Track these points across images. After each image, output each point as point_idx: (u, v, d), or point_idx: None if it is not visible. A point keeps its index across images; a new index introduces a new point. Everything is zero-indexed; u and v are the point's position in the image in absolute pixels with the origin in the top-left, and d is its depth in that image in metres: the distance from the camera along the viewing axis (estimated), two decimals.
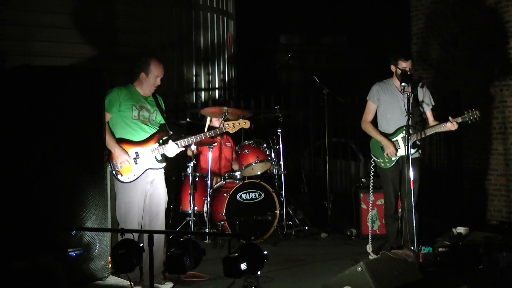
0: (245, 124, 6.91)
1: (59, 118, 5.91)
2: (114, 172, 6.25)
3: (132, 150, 6.30)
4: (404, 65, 7.32)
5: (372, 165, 7.59)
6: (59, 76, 6.04)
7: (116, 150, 6.22)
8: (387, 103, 7.47)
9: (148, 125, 6.39)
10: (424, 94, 7.54)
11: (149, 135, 6.39)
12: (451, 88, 11.32)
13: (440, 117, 7.59)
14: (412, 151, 7.19)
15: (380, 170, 7.54)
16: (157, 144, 6.40)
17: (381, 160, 7.43)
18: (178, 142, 6.48)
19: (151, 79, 6.40)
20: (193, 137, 6.71)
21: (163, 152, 6.42)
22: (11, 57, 9.11)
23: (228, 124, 6.81)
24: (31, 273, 4.87)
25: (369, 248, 7.50)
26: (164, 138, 6.46)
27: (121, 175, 6.26)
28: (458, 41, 11.35)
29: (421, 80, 9.22)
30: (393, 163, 7.36)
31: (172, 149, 6.45)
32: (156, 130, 6.44)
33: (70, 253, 5.85)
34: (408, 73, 7.26)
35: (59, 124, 5.91)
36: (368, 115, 7.60)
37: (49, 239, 5.76)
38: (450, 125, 7.24)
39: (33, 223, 5.71)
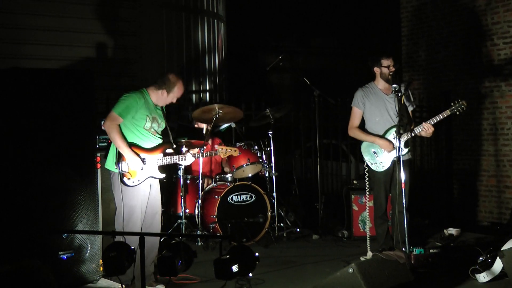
0: (235, 152, 7.63)
1: (49, 121, 5.90)
2: (121, 174, 6.19)
3: (140, 155, 6.29)
4: (387, 62, 7.36)
5: (366, 169, 7.57)
6: (49, 78, 6.02)
7: (129, 154, 6.17)
8: (373, 106, 7.42)
9: (156, 136, 6.44)
10: (408, 95, 7.52)
11: (156, 144, 6.42)
12: (441, 89, 11.36)
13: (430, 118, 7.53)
14: (405, 150, 7.20)
15: (371, 172, 7.52)
16: (162, 155, 6.43)
17: (375, 163, 7.41)
18: (194, 153, 6.93)
19: (169, 98, 6.48)
20: (205, 152, 7.61)
21: (167, 163, 6.49)
22: (0, 60, 9.07)
23: (221, 149, 7.49)
24: (18, 276, 4.84)
25: (369, 255, 7.44)
26: (167, 151, 6.49)
27: (128, 178, 6.21)
28: (448, 42, 11.39)
29: (411, 80, 9.23)
30: (388, 166, 7.34)
31: (189, 159, 6.75)
32: (161, 140, 6.49)
33: (61, 256, 5.84)
34: (392, 70, 7.31)
35: (49, 127, 5.89)
36: (355, 121, 7.53)
37: (40, 242, 5.74)
38: (427, 126, 7.16)
39: (24, 226, 5.69)
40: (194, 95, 11.63)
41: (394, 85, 7.03)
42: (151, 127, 6.36)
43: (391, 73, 7.34)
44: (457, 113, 7.21)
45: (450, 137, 11.26)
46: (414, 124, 7.44)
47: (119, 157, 6.18)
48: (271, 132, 8.93)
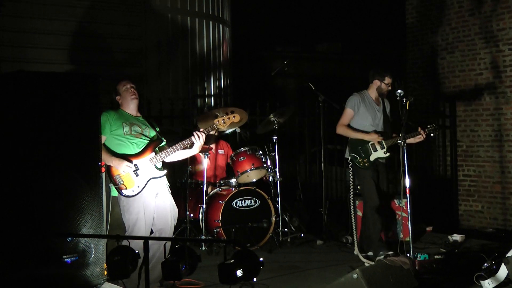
0: (235, 117, 6.65)
1: (54, 124, 5.88)
2: (116, 188, 6.26)
3: (130, 162, 6.32)
4: (389, 80, 7.81)
5: (350, 170, 7.81)
6: (54, 81, 6.01)
7: (114, 161, 6.28)
8: (366, 112, 7.83)
9: (141, 138, 6.45)
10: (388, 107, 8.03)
11: (143, 147, 6.43)
12: (446, 95, 11.35)
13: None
14: (387, 154, 7.70)
15: (358, 171, 7.78)
16: (154, 153, 6.41)
17: (360, 160, 7.70)
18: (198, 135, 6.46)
19: (124, 94, 6.57)
20: (204, 130, 6.54)
21: (162, 160, 6.46)
22: (6, 64, 9.10)
23: (218, 121, 6.60)
24: None
25: (356, 251, 7.73)
26: (160, 146, 6.49)
27: (126, 189, 6.28)
28: (453, 47, 11.38)
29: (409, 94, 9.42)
30: (371, 165, 7.69)
31: (195, 143, 6.49)
32: (149, 141, 6.47)
33: (65, 259, 5.82)
34: (389, 89, 7.82)
35: (54, 130, 5.88)
36: (345, 120, 7.91)
37: (44, 245, 5.74)
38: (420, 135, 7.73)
39: (28, 229, 5.68)
40: (199, 100, 11.64)
41: (399, 91, 7.19)
42: (131, 131, 6.43)
43: (387, 91, 7.85)
44: (432, 135, 7.86)
45: (455, 143, 11.25)
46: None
47: (109, 171, 6.29)
48: (275, 137, 8.93)
